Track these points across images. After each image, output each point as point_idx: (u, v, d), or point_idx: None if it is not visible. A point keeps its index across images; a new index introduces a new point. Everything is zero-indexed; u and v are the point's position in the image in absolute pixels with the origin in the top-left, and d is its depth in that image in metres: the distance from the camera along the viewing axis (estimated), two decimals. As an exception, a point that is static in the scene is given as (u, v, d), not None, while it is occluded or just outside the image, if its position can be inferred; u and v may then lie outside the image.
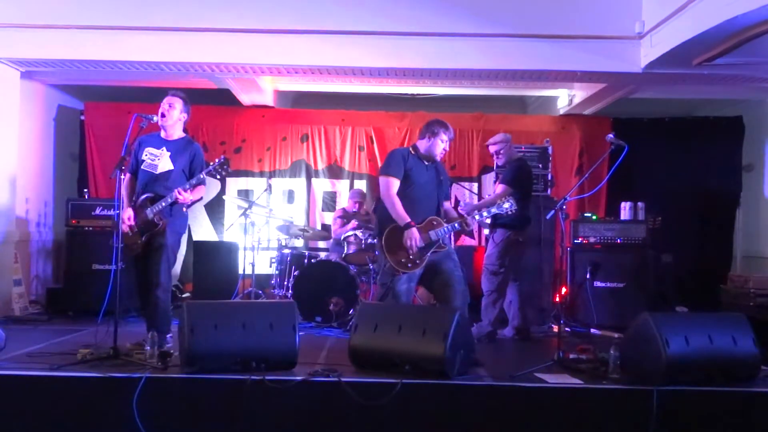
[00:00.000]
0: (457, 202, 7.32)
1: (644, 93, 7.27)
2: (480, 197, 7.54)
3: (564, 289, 6.37)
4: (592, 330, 6.16)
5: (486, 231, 6.18)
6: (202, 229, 7.90)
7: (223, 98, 7.70)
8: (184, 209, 4.70)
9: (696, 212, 7.80)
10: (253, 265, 6.53)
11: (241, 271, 6.71)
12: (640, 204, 6.72)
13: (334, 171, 8.03)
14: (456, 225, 4.56)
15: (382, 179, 4.60)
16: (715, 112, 8.14)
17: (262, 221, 6.86)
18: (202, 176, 4.56)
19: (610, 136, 4.75)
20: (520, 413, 3.74)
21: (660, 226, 6.65)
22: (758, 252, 7.59)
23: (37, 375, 3.79)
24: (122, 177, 4.38)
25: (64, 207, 6.80)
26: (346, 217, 7.06)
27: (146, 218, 4.54)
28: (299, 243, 7.39)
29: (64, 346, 4.68)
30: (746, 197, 7.91)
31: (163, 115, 4.63)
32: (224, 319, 3.92)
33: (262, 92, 7.49)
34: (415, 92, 7.98)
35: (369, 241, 6.31)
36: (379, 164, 7.89)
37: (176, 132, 4.75)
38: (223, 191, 7.89)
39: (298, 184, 8.01)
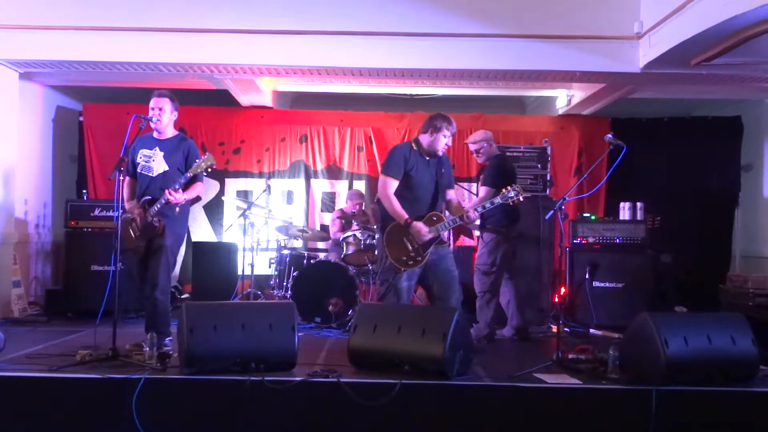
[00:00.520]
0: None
1: (643, 93, 7.27)
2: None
3: (563, 290, 6.37)
4: (591, 330, 6.16)
5: (477, 232, 6.17)
6: (201, 230, 7.90)
7: (222, 99, 7.70)
8: (177, 209, 4.66)
9: (695, 212, 7.80)
10: (252, 266, 6.53)
11: (240, 272, 6.70)
12: (639, 204, 6.72)
13: (333, 171, 8.03)
14: (457, 219, 4.55)
15: (381, 179, 4.61)
16: (714, 112, 8.15)
17: (261, 222, 6.86)
18: (189, 174, 4.52)
19: (609, 136, 4.75)
20: (520, 413, 3.74)
21: (659, 226, 6.65)
22: (757, 252, 7.60)
23: (36, 376, 3.79)
24: (121, 178, 4.37)
25: (63, 208, 6.79)
26: (344, 218, 7.06)
27: (146, 221, 4.54)
28: (298, 244, 7.39)
29: (63, 347, 4.67)
30: (745, 197, 7.92)
31: (158, 122, 4.62)
32: (223, 320, 3.92)
33: (260, 93, 7.49)
34: (414, 93, 7.98)
35: (368, 241, 6.31)
36: (379, 164, 7.92)
37: (169, 131, 4.75)
38: (222, 192, 7.89)
39: (297, 184, 8.01)
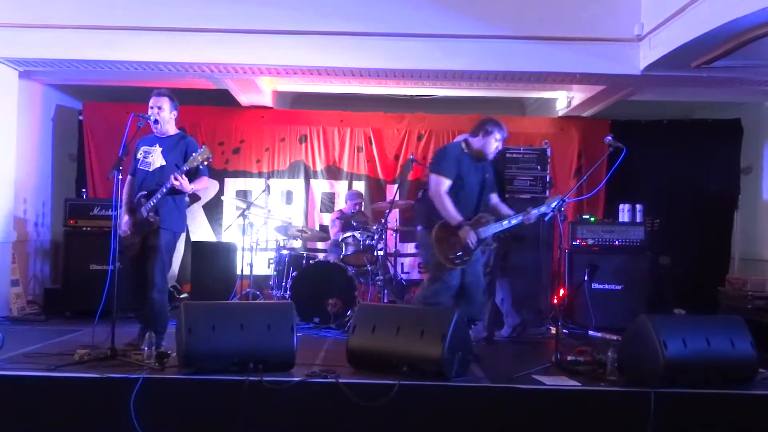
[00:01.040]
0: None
1: (643, 95, 7.27)
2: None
3: (562, 291, 6.36)
4: (590, 332, 6.16)
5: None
6: (200, 230, 7.89)
7: (222, 99, 7.70)
8: (187, 197, 4.65)
9: (694, 215, 7.79)
10: (251, 266, 6.52)
11: (239, 272, 6.70)
12: (638, 206, 6.72)
13: (333, 172, 8.03)
14: (511, 221, 4.54)
15: (433, 177, 4.54)
16: (714, 114, 8.16)
17: (260, 222, 6.86)
18: (185, 167, 4.50)
19: (609, 138, 4.75)
20: (518, 415, 3.74)
21: (658, 229, 6.65)
22: (756, 254, 7.60)
23: (35, 375, 3.78)
24: (120, 177, 4.36)
25: (62, 207, 6.79)
26: (343, 218, 7.06)
27: (141, 217, 4.54)
28: (297, 244, 7.39)
29: (62, 346, 4.66)
30: (744, 200, 7.92)
31: (156, 122, 4.62)
32: (222, 319, 3.92)
33: (260, 93, 7.49)
34: (414, 94, 7.98)
35: (367, 242, 6.31)
36: (378, 165, 7.95)
37: (170, 129, 4.75)
38: (221, 192, 7.89)
39: (297, 184, 8.01)
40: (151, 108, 4.65)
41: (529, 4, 6.01)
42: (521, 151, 6.56)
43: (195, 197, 4.80)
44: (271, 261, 6.79)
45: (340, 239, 6.49)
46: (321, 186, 8.05)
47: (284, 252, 6.69)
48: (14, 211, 6.74)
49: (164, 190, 4.46)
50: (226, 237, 7.59)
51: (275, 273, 6.66)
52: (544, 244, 6.31)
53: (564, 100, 7.98)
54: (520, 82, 6.86)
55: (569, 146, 7.94)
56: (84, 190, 7.46)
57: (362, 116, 8.09)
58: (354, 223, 6.79)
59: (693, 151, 7.86)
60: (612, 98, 7.25)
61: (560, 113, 8.12)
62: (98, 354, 4.11)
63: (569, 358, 4.44)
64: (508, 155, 6.35)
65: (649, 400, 3.64)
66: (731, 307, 6.66)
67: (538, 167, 6.53)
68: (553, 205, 4.52)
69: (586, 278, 6.39)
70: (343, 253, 6.40)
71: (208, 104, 7.89)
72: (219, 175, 7.82)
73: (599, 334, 6.09)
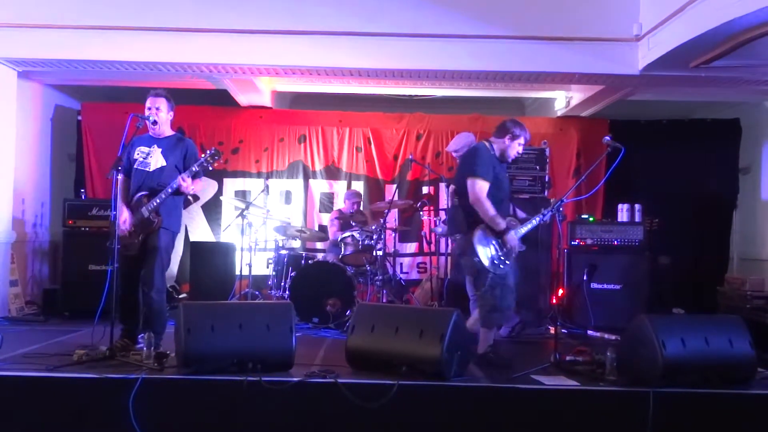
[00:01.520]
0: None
1: (642, 95, 7.27)
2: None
3: (561, 291, 6.36)
4: (589, 332, 6.17)
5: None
6: (199, 230, 7.89)
7: (221, 99, 7.70)
8: (190, 196, 4.66)
9: (693, 214, 7.80)
10: (250, 266, 6.52)
11: (238, 272, 6.69)
12: (637, 206, 6.72)
13: (332, 172, 8.03)
14: (539, 218, 4.53)
15: (473, 181, 4.39)
16: (713, 114, 8.16)
17: (259, 222, 6.86)
18: (195, 168, 4.52)
19: (607, 138, 4.76)
20: (517, 415, 3.73)
21: (657, 228, 6.66)
22: (755, 254, 7.60)
23: (34, 376, 3.78)
24: (118, 177, 4.36)
25: (60, 207, 6.78)
26: (342, 218, 7.06)
27: (142, 217, 4.53)
28: (296, 244, 7.38)
29: (61, 346, 4.66)
30: (743, 200, 7.92)
31: (154, 122, 4.61)
32: (221, 320, 3.92)
33: (259, 93, 7.49)
34: (413, 94, 7.98)
35: (366, 242, 6.31)
36: (377, 165, 7.95)
37: (166, 130, 4.75)
38: (220, 192, 7.89)
39: (296, 185, 8.01)
40: (149, 108, 4.64)
41: (528, 4, 6.01)
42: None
43: (195, 197, 4.79)
44: (270, 261, 6.79)
45: (339, 239, 6.49)
46: (320, 186, 8.04)
47: (283, 252, 6.69)
48: (13, 212, 6.73)
49: (170, 190, 4.46)
50: (225, 237, 7.59)
51: (274, 273, 6.66)
52: (543, 243, 6.31)
53: (563, 100, 7.98)
54: (518, 82, 6.86)
55: (568, 146, 7.94)
56: (83, 191, 7.46)
57: (361, 116, 8.09)
58: (353, 223, 6.79)
59: (692, 151, 7.86)
60: (611, 98, 7.25)
61: (559, 113, 8.13)
62: (97, 354, 4.11)
63: (568, 358, 4.44)
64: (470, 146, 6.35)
65: (648, 400, 3.64)
66: (730, 307, 6.68)
67: (537, 167, 6.54)
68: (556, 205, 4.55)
69: (585, 278, 6.39)
70: (342, 253, 6.41)
71: (207, 104, 7.89)
72: (218, 175, 7.81)
73: (598, 334, 6.09)
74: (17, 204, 6.88)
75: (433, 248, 7.23)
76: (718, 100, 7.73)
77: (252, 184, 7.92)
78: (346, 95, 7.91)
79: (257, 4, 5.97)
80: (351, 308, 5.88)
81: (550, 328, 6.08)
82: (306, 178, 8.01)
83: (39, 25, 5.92)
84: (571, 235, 6.55)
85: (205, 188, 7.60)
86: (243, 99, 7.75)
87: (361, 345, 4.12)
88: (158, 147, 4.66)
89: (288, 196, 8.00)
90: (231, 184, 7.97)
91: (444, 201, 7.30)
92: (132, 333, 4.61)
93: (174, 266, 7.40)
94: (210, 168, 4.63)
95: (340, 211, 7.30)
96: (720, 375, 3.87)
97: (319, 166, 8.01)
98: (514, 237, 4.38)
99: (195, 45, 5.98)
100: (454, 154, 5.82)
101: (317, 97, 8.20)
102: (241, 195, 7.78)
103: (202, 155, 4.59)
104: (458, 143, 5.75)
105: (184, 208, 4.78)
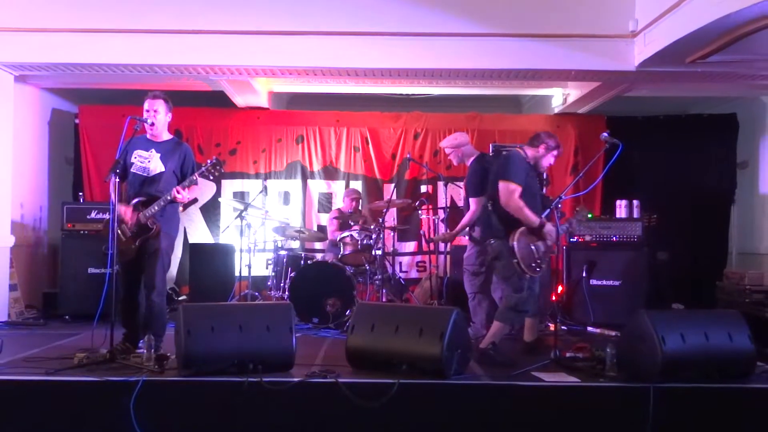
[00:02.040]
0: (452, 202, 7.33)
1: (638, 91, 7.28)
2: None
3: (560, 288, 6.38)
4: (589, 328, 6.18)
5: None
6: (198, 232, 7.89)
7: (218, 100, 7.69)
8: (181, 208, 4.68)
9: (691, 210, 7.81)
10: (249, 267, 6.52)
11: (237, 273, 6.69)
12: (635, 202, 6.73)
13: (330, 172, 8.03)
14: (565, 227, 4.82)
15: (505, 184, 4.50)
16: (710, 109, 8.17)
17: (258, 223, 6.86)
18: (194, 177, 4.52)
19: (605, 134, 4.75)
20: (517, 412, 3.74)
21: (655, 224, 6.67)
22: (753, 249, 7.61)
23: (34, 379, 3.78)
24: (116, 180, 4.35)
25: (59, 211, 6.79)
26: (341, 217, 7.06)
27: (139, 222, 4.52)
28: (295, 244, 7.38)
29: (61, 350, 4.67)
30: (741, 194, 7.94)
31: (152, 125, 4.61)
32: (221, 321, 3.92)
33: (256, 94, 7.48)
34: (410, 92, 7.99)
35: (365, 241, 6.31)
36: (375, 164, 7.95)
37: (164, 133, 4.74)
38: (218, 193, 7.88)
39: (294, 185, 8.01)
40: (147, 111, 4.64)
41: (524, 2, 6.01)
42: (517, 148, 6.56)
43: (193, 200, 4.78)
44: (269, 262, 6.80)
45: (338, 239, 6.49)
46: (318, 186, 8.04)
47: (282, 252, 6.70)
48: (12, 216, 6.73)
49: (163, 203, 4.45)
50: (223, 238, 7.59)
51: (273, 274, 6.66)
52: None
53: (560, 97, 7.99)
54: (515, 80, 6.86)
55: (565, 143, 7.89)
56: (81, 194, 7.45)
57: (358, 116, 8.09)
58: (351, 222, 6.79)
59: (689, 147, 7.87)
60: (607, 94, 7.26)
61: (556, 110, 8.13)
62: (97, 357, 4.11)
63: (568, 354, 4.45)
64: (504, 153, 6.35)
65: (648, 395, 3.65)
66: (729, 302, 6.69)
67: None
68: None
69: (584, 274, 6.41)
70: (341, 252, 6.41)
71: (204, 106, 7.89)
72: (216, 177, 7.79)
73: (598, 330, 6.10)
74: (16, 208, 6.89)
75: (432, 247, 7.23)
76: (715, 95, 7.74)
77: (250, 185, 7.92)
78: (343, 95, 7.91)
79: (253, 5, 5.96)
80: (351, 308, 5.89)
81: (550, 324, 6.08)
82: (304, 178, 8.01)
83: (35, 29, 5.92)
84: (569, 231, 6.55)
85: (203, 190, 7.59)
86: (240, 100, 7.75)
87: (361, 344, 4.12)
88: (156, 152, 4.65)
89: (286, 197, 8.00)
90: (229, 186, 7.96)
91: (442, 199, 7.29)
92: (133, 337, 4.61)
93: (173, 268, 7.40)
94: (210, 178, 4.61)
95: (338, 210, 7.30)
96: (720, 369, 3.88)
97: (317, 167, 8.01)
98: (552, 228, 4.53)
99: (191, 47, 5.98)
100: (447, 151, 5.81)
101: (314, 97, 8.20)
102: (240, 196, 7.78)
103: (204, 165, 4.56)
104: (451, 142, 5.74)
105: (183, 211, 4.77)
